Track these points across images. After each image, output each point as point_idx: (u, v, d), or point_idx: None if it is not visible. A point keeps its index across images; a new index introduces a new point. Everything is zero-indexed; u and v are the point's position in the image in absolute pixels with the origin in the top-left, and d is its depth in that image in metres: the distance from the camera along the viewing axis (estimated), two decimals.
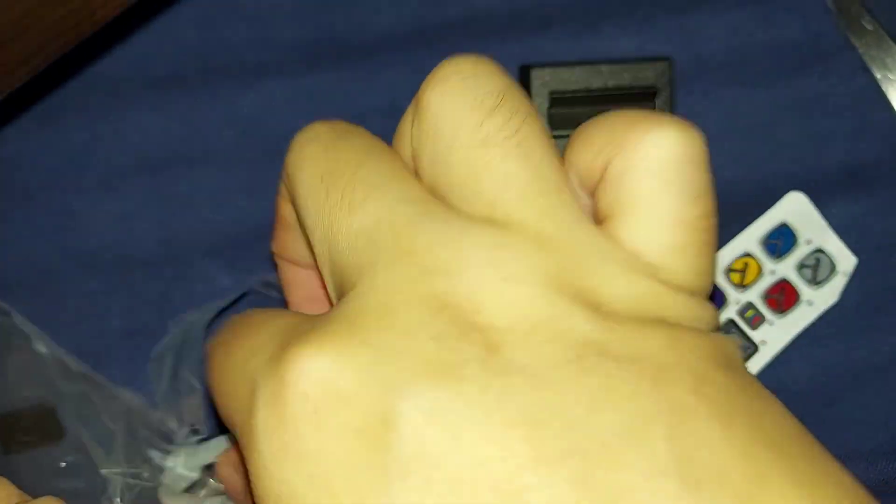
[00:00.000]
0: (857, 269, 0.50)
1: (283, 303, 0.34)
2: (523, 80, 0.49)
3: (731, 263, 0.50)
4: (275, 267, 0.34)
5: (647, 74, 0.48)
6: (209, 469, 0.45)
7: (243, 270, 0.49)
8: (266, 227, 0.49)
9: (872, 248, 0.50)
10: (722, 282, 0.50)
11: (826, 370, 0.51)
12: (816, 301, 0.50)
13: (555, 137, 0.48)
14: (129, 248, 0.49)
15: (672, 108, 0.48)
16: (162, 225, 0.49)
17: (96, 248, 0.49)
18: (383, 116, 0.49)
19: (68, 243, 0.49)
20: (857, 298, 0.51)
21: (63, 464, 0.45)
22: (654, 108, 0.48)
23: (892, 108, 0.50)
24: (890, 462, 0.51)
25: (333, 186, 0.26)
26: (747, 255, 0.50)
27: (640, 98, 0.48)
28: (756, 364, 0.50)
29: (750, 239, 0.50)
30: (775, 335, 0.50)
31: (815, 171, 0.50)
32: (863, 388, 0.51)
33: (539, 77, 0.48)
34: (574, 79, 0.48)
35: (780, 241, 0.50)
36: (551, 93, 0.48)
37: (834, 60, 0.50)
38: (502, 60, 0.50)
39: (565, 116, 0.48)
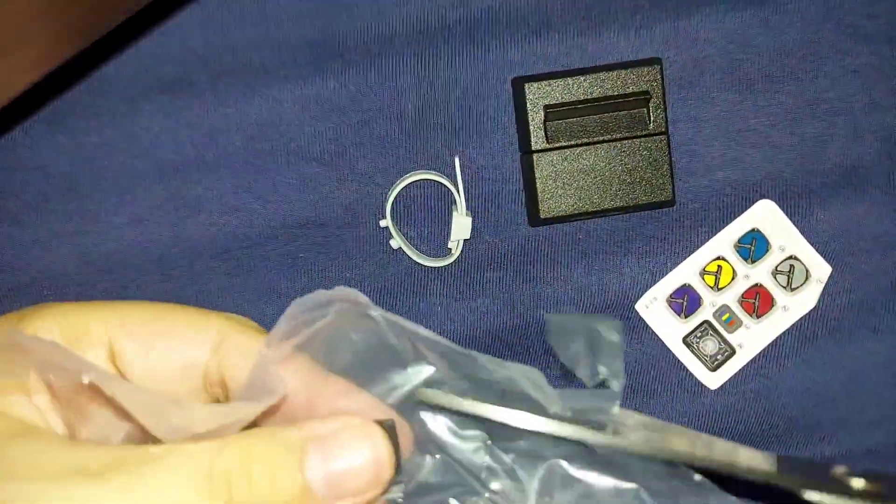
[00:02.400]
0: (853, 270, 0.52)
1: None
2: (516, 93, 0.50)
3: (706, 265, 0.52)
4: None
5: (638, 79, 0.49)
6: None
7: (251, 272, 0.51)
8: (274, 229, 0.50)
9: (866, 250, 0.52)
10: (696, 283, 0.51)
11: (820, 371, 0.52)
12: (792, 307, 0.51)
13: (552, 150, 0.49)
14: (142, 251, 0.50)
15: (665, 109, 0.50)
16: (173, 228, 0.50)
17: (112, 251, 0.50)
18: (387, 120, 0.51)
19: (87, 247, 0.50)
20: (853, 300, 0.52)
21: None
22: (647, 110, 0.49)
23: (885, 111, 0.51)
24: (887, 462, 0.52)
25: None
26: (720, 258, 0.52)
27: (633, 103, 0.49)
28: (733, 367, 0.51)
29: (722, 242, 0.52)
30: (752, 339, 0.52)
31: (809, 174, 0.52)
32: (858, 390, 0.52)
33: (533, 91, 0.49)
34: (567, 89, 0.49)
35: (753, 246, 0.52)
36: (546, 106, 0.49)
37: (829, 64, 0.51)
38: (503, 64, 0.51)
39: (562, 128, 0.49)
